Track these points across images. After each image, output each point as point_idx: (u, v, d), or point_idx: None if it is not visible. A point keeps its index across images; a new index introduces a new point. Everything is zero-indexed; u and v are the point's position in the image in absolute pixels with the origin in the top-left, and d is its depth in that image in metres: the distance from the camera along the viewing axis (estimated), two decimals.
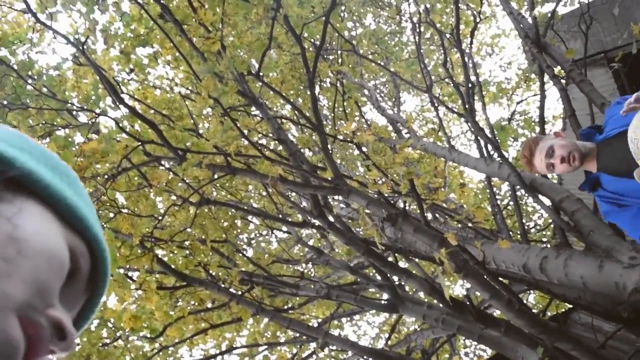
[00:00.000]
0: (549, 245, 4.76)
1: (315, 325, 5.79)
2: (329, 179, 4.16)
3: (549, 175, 4.56)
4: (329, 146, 4.33)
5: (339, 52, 8.42)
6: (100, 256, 0.57)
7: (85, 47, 3.85)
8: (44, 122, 4.01)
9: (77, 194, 0.57)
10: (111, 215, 4.01)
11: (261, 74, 5.15)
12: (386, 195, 4.62)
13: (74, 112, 4.54)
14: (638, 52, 4.39)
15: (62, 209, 0.53)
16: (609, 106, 2.23)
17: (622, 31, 6.24)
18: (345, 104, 7.04)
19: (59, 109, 4.15)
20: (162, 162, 4.53)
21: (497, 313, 5.42)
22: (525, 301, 3.67)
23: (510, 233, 5.36)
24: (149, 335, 4.77)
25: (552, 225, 7.06)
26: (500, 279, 3.36)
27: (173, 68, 6.24)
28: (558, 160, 2.15)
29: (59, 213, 0.53)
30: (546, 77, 4.83)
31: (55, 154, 0.60)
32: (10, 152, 0.50)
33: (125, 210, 4.11)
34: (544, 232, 8.35)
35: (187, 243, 4.82)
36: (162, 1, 4.46)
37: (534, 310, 5.04)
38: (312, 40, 7.50)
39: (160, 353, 5.27)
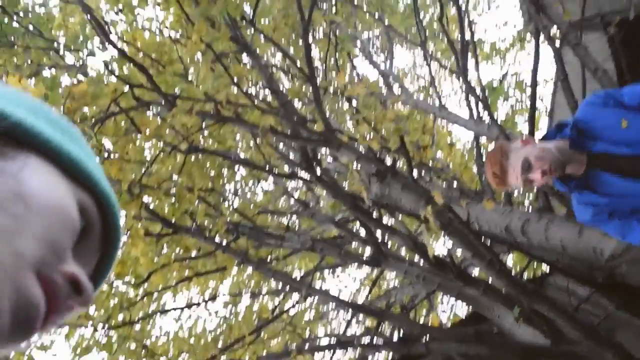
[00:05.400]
0: (531, 209, 4.84)
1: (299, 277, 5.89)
2: (319, 131, 4.14)
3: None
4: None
5: (333, 1, 8.22)
6: (110, 211, 0.55)
7: None
8: (30, 61, 3.89)
9: (81, 149, 0.55)
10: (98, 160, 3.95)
11: (254, 20, 5.03)
12: (375, 151, 4.62)
13: (61, 52, 4.41)
14: (635, 19, 4.35)
15: (67, 164, 0.51)
16: (587, 103, 2.02)
17: None
18: (337, 55, 6.92)
19: (46, 48, 4.03)
20: (151, 108, 4.47)
21: (475, 274, 5.55)
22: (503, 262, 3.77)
23: (494, 195, 5.43)
24: (133, 281, 4.82)
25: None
26: (482, 239, 3.43)
27: (163, 9, 6.04)
28: (538, 175, 1.90)
29: (63, 168, 0.51)
30: (541, 39, 4.77)
31: (54, 110, 0.57)
32: (7, 106, 0.48)
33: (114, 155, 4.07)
34: (526, 196, 8.46)
35: (174, 190, 4.80)
36: None
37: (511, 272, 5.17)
38: None
39: (144, 299, 5.34)
